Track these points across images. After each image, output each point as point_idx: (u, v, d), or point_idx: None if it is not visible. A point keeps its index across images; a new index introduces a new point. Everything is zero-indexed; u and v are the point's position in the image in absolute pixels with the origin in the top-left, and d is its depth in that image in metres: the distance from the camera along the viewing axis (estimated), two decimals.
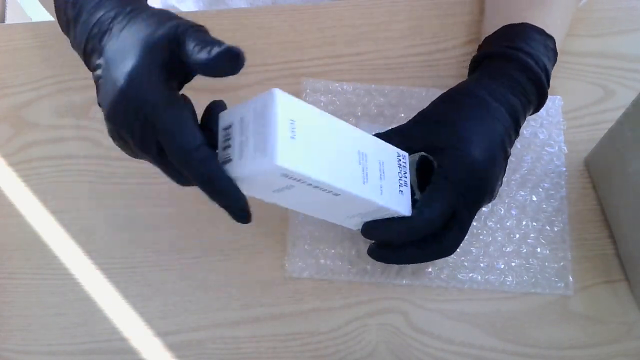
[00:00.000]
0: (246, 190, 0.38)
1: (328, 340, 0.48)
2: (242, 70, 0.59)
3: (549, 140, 0.53)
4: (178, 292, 0.49)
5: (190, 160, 0.36)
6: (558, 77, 0.56)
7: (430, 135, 0.45)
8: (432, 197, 0.43)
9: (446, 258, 0.49)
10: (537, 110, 0.50)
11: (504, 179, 0.50)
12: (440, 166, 0.44)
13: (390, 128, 0.46)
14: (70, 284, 0.50)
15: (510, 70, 0.47)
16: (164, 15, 0.39)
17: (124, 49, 0.37)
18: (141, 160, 0.53)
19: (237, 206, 0.38)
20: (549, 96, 0.54)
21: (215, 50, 0.36)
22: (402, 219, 0.43)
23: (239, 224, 0.39)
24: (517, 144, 0.52)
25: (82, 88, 0.56)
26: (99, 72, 0.38)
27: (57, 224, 0.51)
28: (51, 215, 0.52)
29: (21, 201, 0.52)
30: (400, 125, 0.46)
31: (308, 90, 0.55)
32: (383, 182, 0.42)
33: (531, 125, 0.53)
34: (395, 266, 0.49)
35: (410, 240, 0.44)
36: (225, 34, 0.58)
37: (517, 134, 0.47)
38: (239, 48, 0.36)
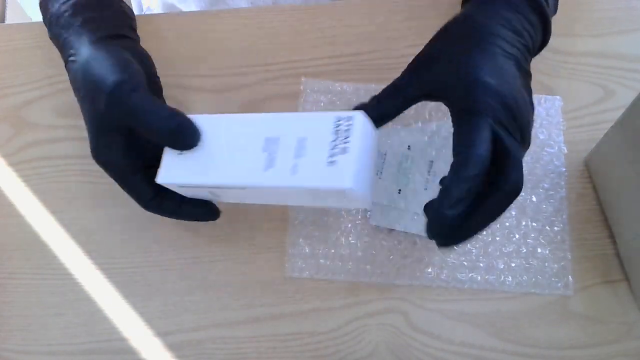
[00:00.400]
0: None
1: (328, 340, 0.48)
2: (242, 70, 0.59)
3: (548, 140, 0.53)
4: (178, 292, 0.49)
5: (153, 211, 0.46)
6: (558, 77, 0.56)
7: (431, 78, 0.41)
8: (467, 132, 0.37)
9: (445, 258, 0.49)
10: (541, 47, 0.46)
11: None
12: (453, 105, 0.39)
13: (385, 87, 0.43)
14: (70, 284, 0.50)
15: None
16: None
17: (91, 106, 0.45)
18: None
19: (204, 219, 0.47)
20: (549, 97, 0.54)
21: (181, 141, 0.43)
22: (452, 178, 0.37)
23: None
24: None
25: None
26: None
27: (57, 224, 0.51)
28: (51, 215, 0.52)
29: (21, 201, 0.52)
30: (395, 80, 0.42)
31: (308, 91, 0.55)
32: (300, 160, 0.38)
33: None
34: (395, 266, 0.49)
35: (470, 200, 0.38)
36: (225, 34, 0.58)
37: (529, 54, 0.43)
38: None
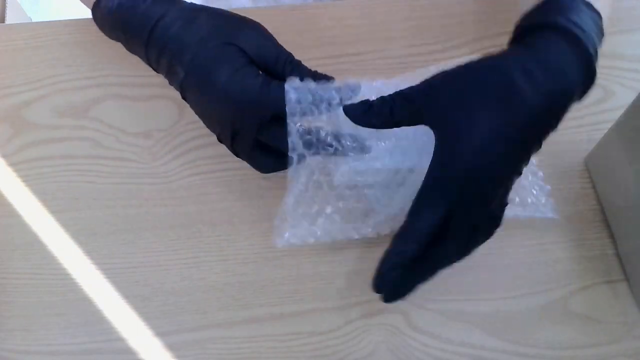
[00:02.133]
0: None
1: (328, 340, 0.48)
2: None
3: None
4: (178, 292, 0.49)
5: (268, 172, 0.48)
6: None
7: (431, 110, 0.38)
8: (421, 202, 0.38)
9: None
10: (582, 96, 0.40)
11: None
12: (435, 154, 0.38)
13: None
14: (70, 284, 0.50)
15: (552, 41, 0.38)
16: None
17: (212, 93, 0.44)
18: (141, 161, 0.53)
19: None
20: None
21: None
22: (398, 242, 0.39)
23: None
24: None
25: (82, 88, 0.56)
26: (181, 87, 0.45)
27: (57, 224, 0.51)
28: (51, 215, 0.52)
29: (21, 201, 0.52)
30: (405, 89, 0.41)
31: None
32: None
33: None
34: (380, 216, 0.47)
35: (413, 256, 0.39)
36: None
37: (555, 120, 0.39)
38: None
